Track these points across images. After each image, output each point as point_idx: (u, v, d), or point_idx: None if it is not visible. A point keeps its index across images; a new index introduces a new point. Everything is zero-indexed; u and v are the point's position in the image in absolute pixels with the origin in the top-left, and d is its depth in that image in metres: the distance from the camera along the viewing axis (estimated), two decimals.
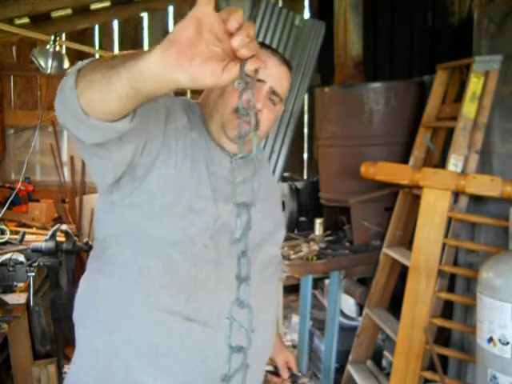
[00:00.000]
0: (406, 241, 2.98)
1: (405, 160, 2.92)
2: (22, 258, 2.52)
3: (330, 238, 3.41)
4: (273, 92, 1.23)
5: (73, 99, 0.90)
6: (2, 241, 3.02)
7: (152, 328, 1.15)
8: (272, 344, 1.39)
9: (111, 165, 1.07)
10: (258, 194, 1.31)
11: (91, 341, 1.20)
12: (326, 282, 3.62)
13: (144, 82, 0.79)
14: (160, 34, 5.46)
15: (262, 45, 1.30)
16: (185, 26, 0.73)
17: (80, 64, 0.93)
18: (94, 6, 4.62)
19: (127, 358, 1.15)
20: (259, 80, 1.20)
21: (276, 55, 1.25)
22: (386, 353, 3.23)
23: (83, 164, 5.39)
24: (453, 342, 2.66)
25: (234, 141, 1.21)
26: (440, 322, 2.48)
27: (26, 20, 4.19)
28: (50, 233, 2.87)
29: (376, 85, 3.27)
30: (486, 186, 2.42)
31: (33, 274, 2.49)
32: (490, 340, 1.82)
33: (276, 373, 1.52)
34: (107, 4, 4.66)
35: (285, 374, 1.51)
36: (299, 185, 4.32)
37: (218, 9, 0.73)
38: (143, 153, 1.09)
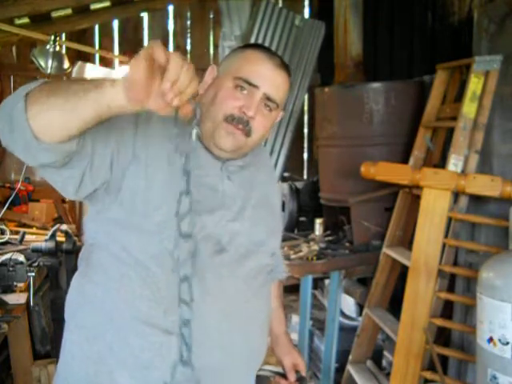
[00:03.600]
0: (406, 241, 2.98)
1: (405, 160, 2.92)
2: (21, 258, 2.51)
3: (329, 237, 3.41)
4: (268, 98, 1.20)
5: (23, 123, 0.93)
6: (1, 241, 3.02)
7: (132, 339, 1.14)
8: (265, 349, 1.36)
9: (60, 180, 1.08)
10: (249, 202, 1.27)
11: (81, 345, 1.20)
12: (326, 282, 3.62)
13: (108, 111, 0.94)
14: (160, 33, 5.46)
15: (260, 46, 1.29)
16: (140, 68, 0.86)
17: (26, 88, 0.97)
18: (93, 6, 4.62)
19: (111, 366, 1.15)
20: (253, 85, 1.18)
21: (272, 59, 1.21)
22: (385, 353, 3.23)
23: None
24: (453, 342, 2.65)
25: (222, 149, 1.20)
26: (440, 322, 2.48)
27: (26, 20, 4.19)
28: (50, 233, 2.87)
29: (376, 85, 3.27)
30: (486, 186, 2.41)
31: (33, 274, 2.48)
32: (490, 340, 1.82)
33: (283, 374, 1.48)
34: (107, 4, 4.66)
35: (292, 377, 1.46)
36: (299, 185, 4.31)
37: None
38: (113, 169, 1.11)
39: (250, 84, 1.18)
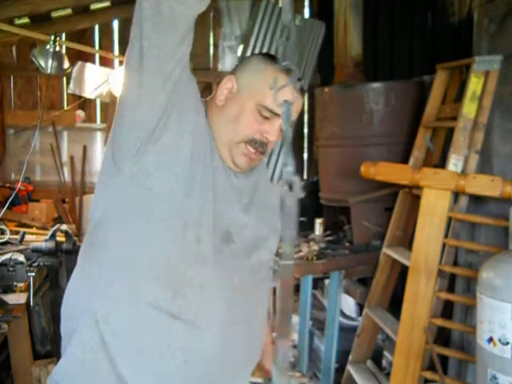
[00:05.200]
0: (406, 241, 2.98)
1: (405, 160, 2.92)
2: (21, 258, 2.52)
3: (329, 237, 3.41)
4: None
5: None
6: (1, 241, 3.02)
7: (137, 323, 1.14)
8: (261, 348, 1.37)
9: (159, 84, 1.09)
10: (255, 199, 1.31)
11: (80, 331, 1.18)
12: (326, 281, 3.61)
13: None
14: None
15: (289, 71, 1.29)
16: None
17: None
18: (93, 6, 4.62)
19: (112, 352, 1.14)
20: (276, 114, 1.22)
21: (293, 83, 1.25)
22: (386, 353, 3.23)
23: (83, 164, 5.40)
24: (453, 342, 2.66)
25: (238, 166, 1.24)
26: (440, 322, 2.48)
27: (26, 20, 4.19)
28: (50, 233, 2.87)
29: (376, 85, 3.27)
30: (486, 185, 2.42)
31: (33, 274, 2.48)
32: (490, 340, 1.82)
33: None
34: (107, 4, 4.66)
35: None
36: None
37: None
38: (169, 119, 1.13)
39: (274, 113, 1.22)
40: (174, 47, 1.07)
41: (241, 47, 4.54)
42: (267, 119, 1.22)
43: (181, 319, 1.14)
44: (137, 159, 1.13)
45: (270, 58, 1.32)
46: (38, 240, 3.04)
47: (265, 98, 1.21)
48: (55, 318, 2.92)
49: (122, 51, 5.24)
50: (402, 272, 2.83)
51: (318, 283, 3.93)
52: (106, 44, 5.27)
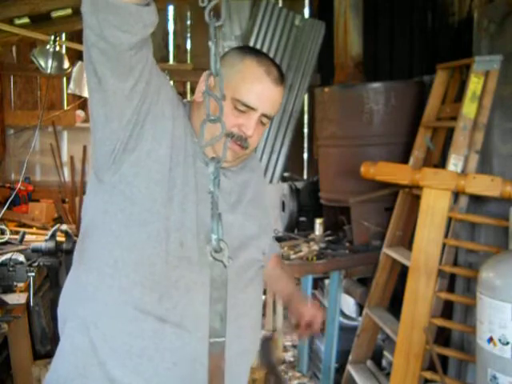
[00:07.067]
0: (406, 241, 2.98)
1: (405, 160, 2.92)
2: (21, 258, 2.52)
3: (329, 237, 3.41)
4: (264, 115, 1.23)
5: None
6: (1, 241, 3.02)
7: (126, 326, 1.14)
8: (256, 348, 1.36)
9: (132, 58, 1.04)
10: (244, 198, 1.31)
11: (71, 337, 1.19)
12: (326, 281, 3.62)
13: None
14: (160, 33, 5.46)
15: (258, 55, 1.27)
16: None
17: None
18: None
19: (103, 356, 1.15)
20: (251, 108, 1.21)
21: (270, 75, 1.22)
22: (386, 353, 3.23)
23: (83, 164, 5.40)
24: (453, 342, 2.66)
25: (223, 160, 1.23)
26: (440, 322, 2.48)
27: (26, 20, 4.18)
28: (50, 233, 2.87)
29: (376, 85, 3.27)
30: (486, 185, 2.41)
31: (33, 274, 2.49)
32: (490, 340, 1.82)
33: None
34: None
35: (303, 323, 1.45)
36: (299, 185, 4.31)
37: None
38: (143, 124, 1.12)
39: (249, 107, 1.21)
40: (128, 67, 1.03)
41: None
42: (243, 113, 1.21)
43: (168, 322, 1.14)
44: (115, 170, 1.14)
45: (248, 50, 1.30)
46: (38, 240, 3.05)
47: (239, 93, 1.20)
48: (55, 318, 2.92)
49: None
50: (402, 272, 2.83)
51: (318, 283, 3.92)
52: None
